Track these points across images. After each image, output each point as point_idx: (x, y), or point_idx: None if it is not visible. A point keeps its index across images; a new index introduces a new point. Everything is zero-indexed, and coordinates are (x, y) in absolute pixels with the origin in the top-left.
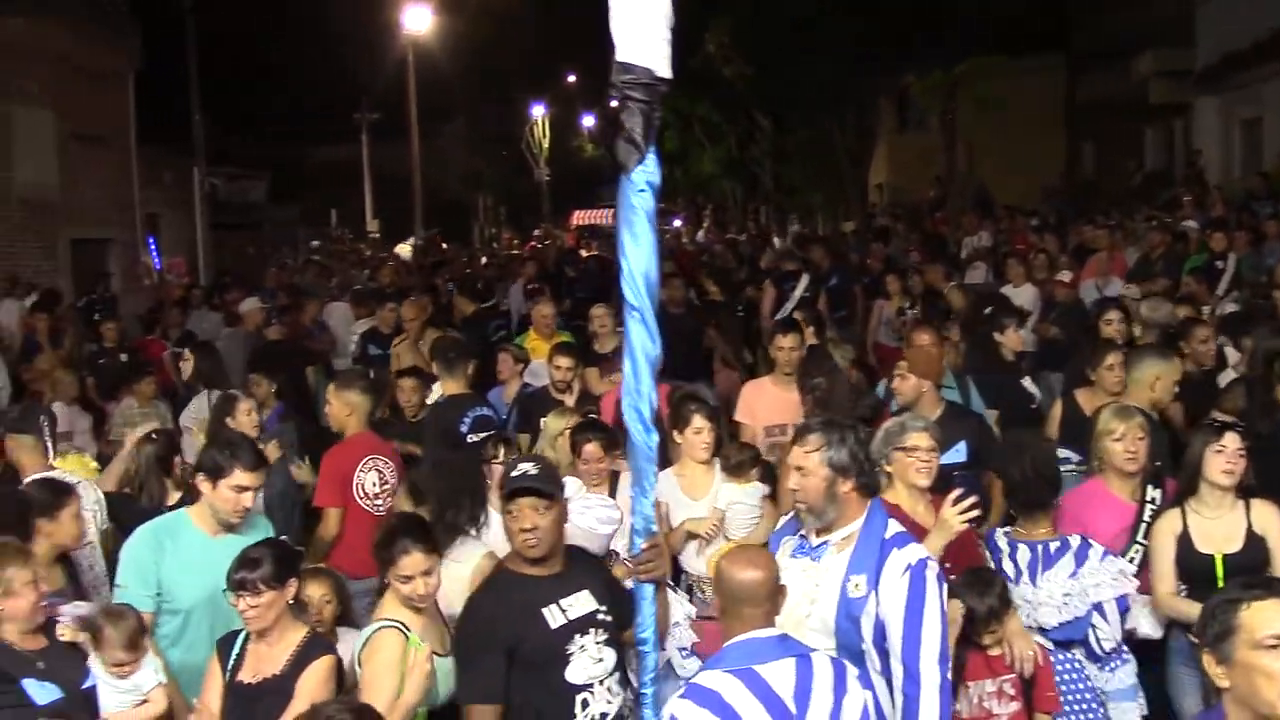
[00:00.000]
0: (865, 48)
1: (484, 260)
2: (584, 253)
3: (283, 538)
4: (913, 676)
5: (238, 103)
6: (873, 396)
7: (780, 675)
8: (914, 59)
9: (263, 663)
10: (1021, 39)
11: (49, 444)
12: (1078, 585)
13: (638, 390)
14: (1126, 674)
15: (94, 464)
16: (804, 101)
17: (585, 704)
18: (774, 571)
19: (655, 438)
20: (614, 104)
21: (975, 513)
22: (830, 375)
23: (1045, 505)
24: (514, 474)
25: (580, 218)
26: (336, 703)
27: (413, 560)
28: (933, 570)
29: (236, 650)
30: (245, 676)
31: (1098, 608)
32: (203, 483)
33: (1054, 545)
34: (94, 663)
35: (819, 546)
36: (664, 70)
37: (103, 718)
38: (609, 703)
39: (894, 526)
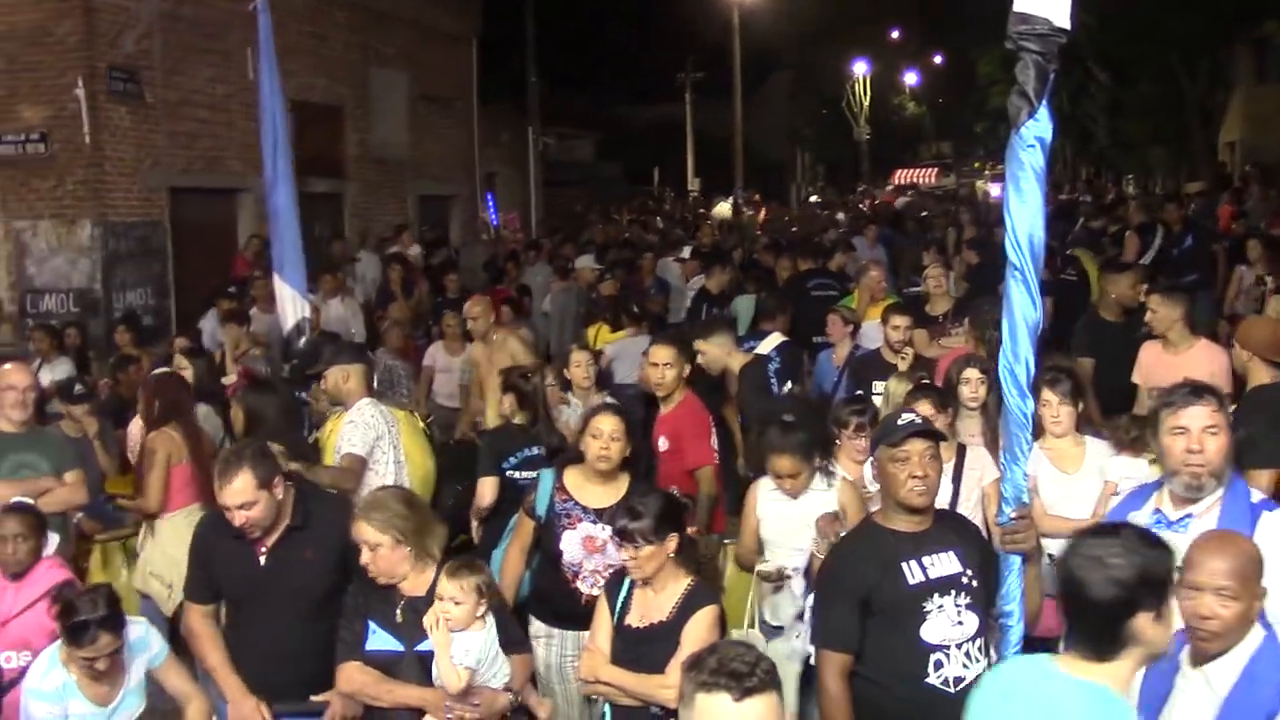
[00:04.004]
0: None
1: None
2: None
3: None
4: None
5: (568, 65)
6: None
7: None
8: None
9: (650, 609)
10: None
11: (373, 378)
12: None
13: (1014, 354)
14: None
15: (420, 421)
16: (1153, 53)
17: (939, 665)
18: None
19: (1031, 404)
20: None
21: None
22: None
23: None
24: (901, 420)
25: (902, 176)
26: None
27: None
28: None
29: (623, 595)
30: (633, 621)
31: None
32: None
33: None
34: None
35: (1182, 519)
36: (1063, 20)
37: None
38: (965, 667)
39: (1256, 493)
